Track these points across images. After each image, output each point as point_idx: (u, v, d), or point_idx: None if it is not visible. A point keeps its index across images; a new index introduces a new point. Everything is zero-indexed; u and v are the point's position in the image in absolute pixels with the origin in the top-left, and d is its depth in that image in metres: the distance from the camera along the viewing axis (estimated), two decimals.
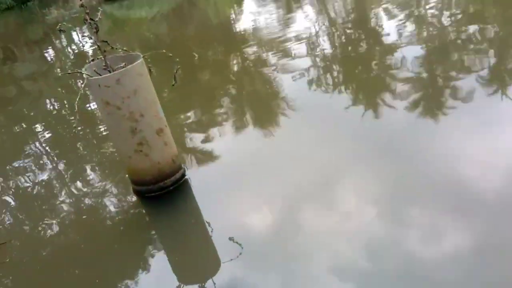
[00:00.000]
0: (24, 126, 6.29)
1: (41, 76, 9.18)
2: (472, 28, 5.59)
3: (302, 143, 3.87)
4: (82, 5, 3.06)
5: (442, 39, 5.55)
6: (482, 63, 4.59)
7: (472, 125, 3.55)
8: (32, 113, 6.90)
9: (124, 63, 3.12)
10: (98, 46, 3.11)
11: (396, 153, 3.40)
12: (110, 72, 3.11)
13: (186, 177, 3.60)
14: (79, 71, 3.07)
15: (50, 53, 11.02)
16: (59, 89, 7.75)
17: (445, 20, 6.28)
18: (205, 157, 4.11)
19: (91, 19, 3.09)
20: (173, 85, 3.37)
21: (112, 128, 3.31)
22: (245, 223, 3.04)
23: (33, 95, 8.01)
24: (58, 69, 9.22)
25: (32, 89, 8.50)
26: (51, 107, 7.10)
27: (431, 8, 6.96)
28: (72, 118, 4.34)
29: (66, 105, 6.69)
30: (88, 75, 3.04)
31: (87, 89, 3.21)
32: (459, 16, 6.33)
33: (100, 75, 3.11)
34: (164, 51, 3.30)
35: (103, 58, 3.16)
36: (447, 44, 5.35)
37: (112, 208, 3.65)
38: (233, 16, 10.16)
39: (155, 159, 3.30)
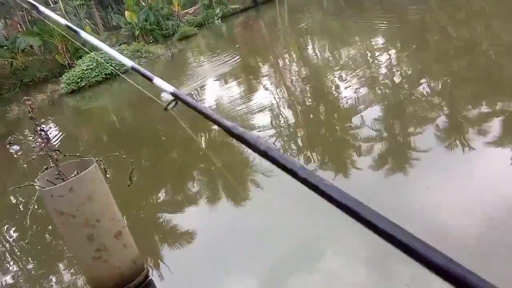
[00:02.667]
0: None
1: (3, 174, 8.99)
2: (423, 83, 5.97)
3: (276, 216, 3.87)
4: (31, 118, 3.09)
5: (396, 97, 5.88)
6: (437, 116, 4.84)
7: (436, 175, 3.69)
8: None
9: (77, 171, 3.10)
10: (49, 155, 3.10)
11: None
12: (63, 180, 3.08)
13: (150, 277, 3.48)
14: (30, 183, 3.02)
15: (12, 150, 10.84)
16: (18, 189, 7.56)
17: (397, 79, 6.70)
18: (170, 251, 4.01)
19: (41, 129, 3.10)
20: (128, 185, 3.35)
21: (68, 237, 3.21)
22: None
23: None
24: (24, 165, 9.07)
25: None
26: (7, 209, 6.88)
27: (381, 70, 7.42)
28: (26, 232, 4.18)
29: (22, 208, 6.50)
30: (40, 186, 3.00)
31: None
32: (409, 73, 6.77)
33: (54, 184, 3.07)
34: (117, 153, 3.31)
35: (55, 167, 3.13)
36: (402, 101, 5.68)
37: None
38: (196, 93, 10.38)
39: (115, 264, 3.19)
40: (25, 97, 3.19)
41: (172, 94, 1.06)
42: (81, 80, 15.01)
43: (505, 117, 4.38)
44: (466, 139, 4.22)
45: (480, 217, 3.06)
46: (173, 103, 1.04)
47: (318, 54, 11.00)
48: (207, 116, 0.91)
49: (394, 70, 7.35)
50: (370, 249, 3.07)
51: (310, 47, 12.41)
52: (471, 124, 4.50)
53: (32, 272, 4.51)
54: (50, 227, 5.06)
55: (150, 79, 1.16)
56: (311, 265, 3.15)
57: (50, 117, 11.15)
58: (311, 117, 6.55)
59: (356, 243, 3.22)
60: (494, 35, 7.63)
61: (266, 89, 8.63)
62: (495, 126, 4.23)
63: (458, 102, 5.30)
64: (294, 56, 11.64)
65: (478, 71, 6.14)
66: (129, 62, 1.25)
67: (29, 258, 4.76)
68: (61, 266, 4.31)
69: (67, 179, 3.05)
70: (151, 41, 21.43)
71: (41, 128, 3.12)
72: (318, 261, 3.18)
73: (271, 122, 6.45)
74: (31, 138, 10.41)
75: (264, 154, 0.74)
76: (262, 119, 6.63)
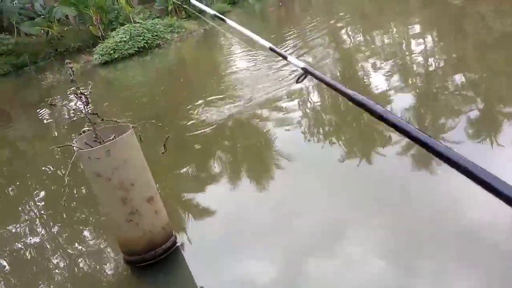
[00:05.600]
0: (18, 188, 6.32)
1: (37, 138, 9.29)
2: (457, 75, 5.81)
3: (300, 197, 3.89)
4: (72, 80, 3.16)
5: (428, 87, 5.76)
6: (469, 109, 4.73)
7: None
8: (27, 175, 6.96)
9: (114, 135, 3.18)
10: (88, 118, 3.18)
11: (395, 201, 3.44)
12: (100, 143, 3.16)
13: (177, 244, 3.57)
14: (69, 144, 3.12)
15: (46, 116, 11.14)
16: (56, 150, 7.80)
17: (431, 69, 6.54)
18: (197, 220, 4.09)
19: (81, 93, 3.18)
20: (162, 153, 3.42)
21: (103, 199, 3.31)
22: None
23: (28, 157, 8.08)
24: (55, 132, 9.35)
25: (27, 150, 8.60)
26: (47, 169, 7.12)
27: (416, 58, 7.25)
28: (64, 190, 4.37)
29: (62, 168, 6.71)
30: (79, 147, 3.09)
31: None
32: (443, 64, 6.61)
33: (91, 147, 3.16)
34: (153, 121, 3.37)
35: (93, 130, 3.22)
36: (434, 92, 5.56)
37: (101, 278, 3.60)
38: (226, 74, 10.32)
39: (146, 228, 3.29)
40: (67, 61, 3.26)
41: (303, 68, 1.22)
42: (114, 52, 15.21)
43: None
44: (497, 136, 4.11)
45: (505, 215, 3.00)
46: (303, 76, 1.21)
47: (352, 38, 10.79)
48: (332, 86, 1.06)
49: (427, 58, 7.17)
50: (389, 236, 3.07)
51: (343, 31, 12.17)
52: (504, 120, 4.38)
53: (64, 231, 4.69)
54: (74, 192, 5.24)
55: (284, 57, 1.37)
56: (331, 246, 3.17)
57: (83, 87, 11.35)
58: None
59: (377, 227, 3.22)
60: None
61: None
62: None
63: (492, 96, 5.14)
64: (327, 39, 11.45)
65: None
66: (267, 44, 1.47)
67: (62, 219, 4.95)
68: (92, 227, 4.47)
69: (104, 143, 3.13)
70: (184, 17, 21.42)
71: (81, 91, 3.20)
72: (339, 243, 3.20)
73: (299, 105, 6.41)
74: (62, 104, 10.69)
75: (380, 117, 0.88)
76: (289, 102, 6.61)
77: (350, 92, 0.98)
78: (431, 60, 7.08)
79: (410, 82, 6.33)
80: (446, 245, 2.84)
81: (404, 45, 8.54)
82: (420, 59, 7.23)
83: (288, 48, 10.12)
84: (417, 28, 9.42)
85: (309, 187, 4.06)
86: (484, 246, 2.72)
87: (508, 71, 5.71)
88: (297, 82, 1.26)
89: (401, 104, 5.30)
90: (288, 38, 11.53)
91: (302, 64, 1.22)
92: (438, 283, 2.57)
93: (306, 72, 1.20)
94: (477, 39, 7.47)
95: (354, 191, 3.80)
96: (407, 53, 7.83)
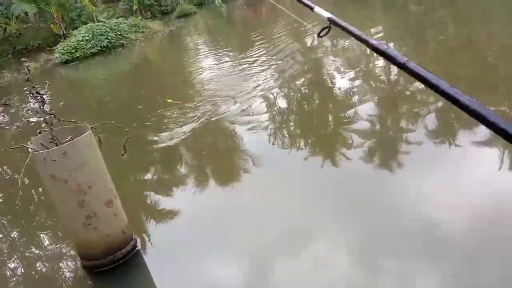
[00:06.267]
0: None
1: None
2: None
3: (265, 199, 3.89)
4: (28, 79, 3.05)
5: (391, 92, 5.90)
6: (429, 114, 4.87)
7: (425, 171, 3.74)
8: None
9: (71, 136, 3.09)
10: (44, 119, 3.08)
11: (362, 203, 3.49)
12: (57, 145, 3.06)
13: (138, 248, 3.50)
14: (24, 145, 3.01)
15: (2, 118, 10.71)
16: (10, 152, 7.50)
17: (393, 75, 6.70)
18: (159, 223, 4.03)
19: (37, 92, 3.07)
20: (122, 154, 3.34)
21: (59, 202, 3.20)
22: None
23: None
24: (10, 133, 8.98)
25: None
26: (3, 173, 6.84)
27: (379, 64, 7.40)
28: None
29: (17, 170, 6.45)
30: (33, 149, 2.98)
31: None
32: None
33: (47, 148, 3.06)
34: (113, 122, 3.30)
35: (49, 131, 3.11)
36: (397, 97, 5.69)
37: (60, 284, 3.48)
38: (191, 73, 10.22)
39: (105, 232, 3.21)
40: (22, 59, 3.15)
41: (328, 19, 1.25)
42: (75, 51, 14.79)
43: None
44: (455, 137, 4.26)
45: (467, 213, 3.10)
46: (326, 30, 1.24)
47: (315, 40, 10.91)
48: (357, 37, 1.14)
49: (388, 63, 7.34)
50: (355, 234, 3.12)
51: (308, 34, 12.28)
52: (462, 122, 4.54)
53: (19, 236, 4.51)
54: (34, 196, 5.05)
55: (311, 8, 1.39)
56: (296, 247, 3.19)
57: (40, 86, 10.96)
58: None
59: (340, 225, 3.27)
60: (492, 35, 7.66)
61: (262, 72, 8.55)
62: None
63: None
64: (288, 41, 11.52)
65: (474, 69, 6.17)
66: None
67: (16, 223, 4.76)
68: (49, 232, 4.31)
69: (61, 144, 3.04)
70: (149, 17, 21.14)
71: (37, 91, 3.09)
72: (302, 243, 3.23)
73: (266, 107, 6.43)
74: (20, 104, 10.30)
75: (403, 66, 0.94)
76: (256, 104, 6.60)
77: (374, 42, 1.08)
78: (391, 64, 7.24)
79: (371, 83, 6.47)
80: (410, 243, 2.91)
81: (366, 50, 8.72)
82: (380, 62, 7.40)
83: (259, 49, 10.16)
84: (378, 33, 9.64)
85: (275, 189, 4.07)
86: (446, 243, 2.81)
87: (465, 74, 5.94)
88: (318, 36, 1.26)
89: (364, 108, 5.40)
90: (255, 39, 11.59)
91: (328, 15, 1.24)
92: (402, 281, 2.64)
93: (331, 23, 1.22)
94: (435, 44, 7.72)
95: (324, 192, 3.86)
96: (370, 56, 8.00)
